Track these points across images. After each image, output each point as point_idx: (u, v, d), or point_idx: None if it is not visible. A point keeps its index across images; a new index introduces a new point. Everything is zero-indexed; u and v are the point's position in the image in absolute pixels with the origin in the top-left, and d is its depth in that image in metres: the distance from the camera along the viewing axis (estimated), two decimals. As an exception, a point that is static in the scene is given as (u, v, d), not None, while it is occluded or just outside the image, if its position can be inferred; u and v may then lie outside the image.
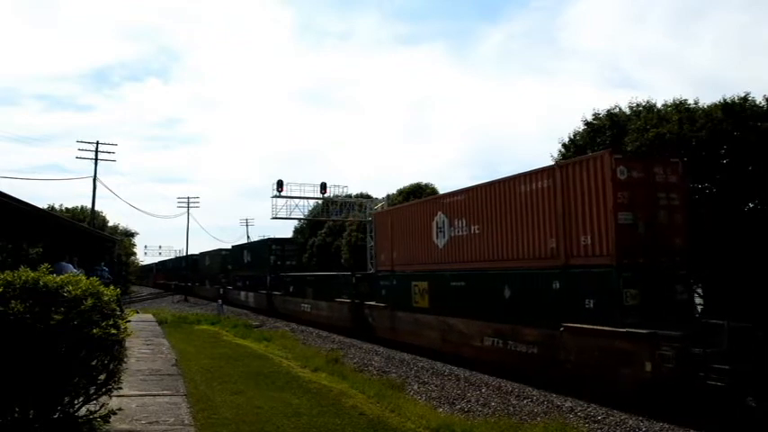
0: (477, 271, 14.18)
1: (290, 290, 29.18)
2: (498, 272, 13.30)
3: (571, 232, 11.36)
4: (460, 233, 15.05)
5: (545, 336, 11.47)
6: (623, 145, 21.52)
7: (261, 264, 34.73)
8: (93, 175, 39.55)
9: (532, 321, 11.89)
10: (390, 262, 18.91)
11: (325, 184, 33.99)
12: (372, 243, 36.43)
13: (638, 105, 28.35)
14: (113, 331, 5.17)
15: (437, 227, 16.17)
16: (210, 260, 50.25)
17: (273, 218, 33.87)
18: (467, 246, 14.70)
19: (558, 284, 11.42)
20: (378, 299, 19.35)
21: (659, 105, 26.02)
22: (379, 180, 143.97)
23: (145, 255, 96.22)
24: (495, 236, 13.66)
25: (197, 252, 60.32)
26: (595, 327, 10.26)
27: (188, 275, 57.49)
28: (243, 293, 38.39)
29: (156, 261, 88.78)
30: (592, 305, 10.57)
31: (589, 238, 10.95)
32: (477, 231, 14.34)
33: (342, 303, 22.38)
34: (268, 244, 34.91)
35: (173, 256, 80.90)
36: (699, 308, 13.41)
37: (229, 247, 50.87)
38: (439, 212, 16.20)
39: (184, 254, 62.24)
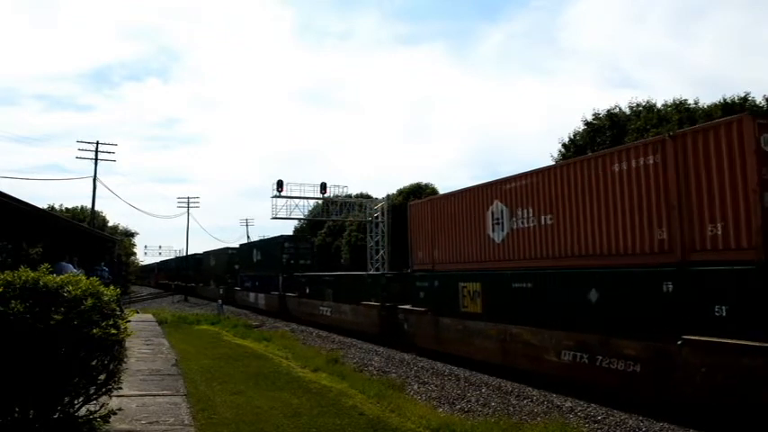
0: (550, 270, 11.64)
1: (306, 291, 26.68)
2: (581, 271, 10.84)
3: (691, 220, 9.04)
4: (525, 225, 12.52)
5: (652, 350, 9.21)
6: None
7: (272, 263, 32.66)
8: (93, 175, 39.63)
9: (632, 332, 9.55)
10: (430, 260, 16.28)
11: (325, 184, 34.06)
12: (372, 243, 36.47)
13: (638, 105, 28.37)
14: (113, 331, 5.18)
15: (493, 218, 13.59)
16: (216, 259, 48.14)
17: (273, 218, 33.96)
18: (535, 240, 12.22)
19: (670, 286, 9.14)
20: (415, 302, 16.60)
21: (659, 105, 26.05)
22: (379, 180, 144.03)
23: (145, 255, 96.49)
24: (575, 227, 11.21)
25: (197, 252, 59.40)
26: (739, 342, 7.92)
27: (192, 275, 55.91)
28: (252, 295, 36.07)
29: (158, 261, 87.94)
30: (724, 313, 8.33)
31: (719, 227, 8.68)
32: (549, 222, 11.84)
33: (369, 307, 19.64)
34: (280, 242, 32.65)
35: (173, 256, 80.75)
36: None
37: (234, 245, 49.65)
38: (495, 201, 13.52)
39: (184, 254, 61.83)
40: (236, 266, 40.92)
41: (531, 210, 12.41)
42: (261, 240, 38.17)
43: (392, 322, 17.91)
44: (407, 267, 30.87)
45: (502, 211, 13.33)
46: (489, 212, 13.81)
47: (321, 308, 24.37)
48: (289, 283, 29.68)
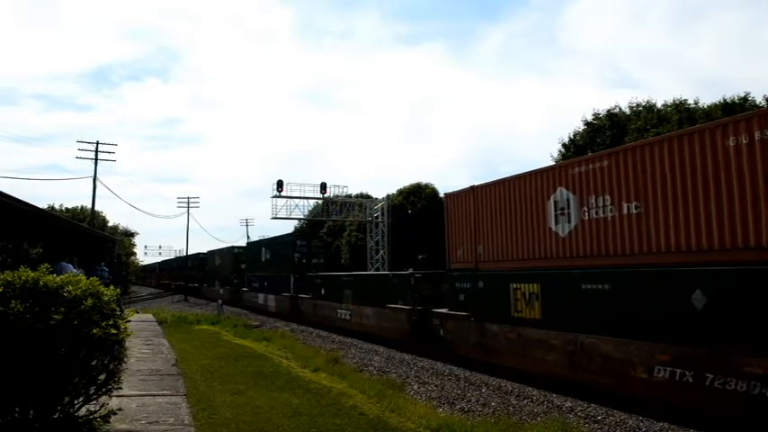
0: (636, 268, 9.72)
1: (322, 293, 24.70)
2: (682, 269, 8.96)
3: None
4: (600, 215, 10.65)
5: None
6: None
7: (283, 263, 30.85)
8: (93, 175, 39.64)
9: (758, 346, 7.68)
10: (473, 257, 14.34)
11: (325, 184, 34.11)
12: (372, 243, 36.49)
13: (638, 105, 28.37)
14: (113, 331, 5.18)
15: (556, 208, 11.74)
16: (221, 259, 46.28)
17: (273, 218, 34.00)
18: (613, 232, 10.34)
19: None
20: (453, 305, 14.56)
21: (659, 105, 26.06)
22: (379, 180, 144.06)
23: (145, 255, 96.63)
24: (671, 217, 9.36)
25: (200, 251, 58.26)
26: None
27: (196, 275, 54.05)
28: (261, 296, 34.05)
29: (160, 260, 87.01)
30: None
31: None
32: (634, 211, 9.97)
33: (397, 311, 17.55)
34: (292, 240, 31.17)
35: (173, 256, 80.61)
36: None
37: (237, 244, 48.55)
38: (559, 188, 11.67)
39: (185, 254, 61.53)
40: (243, 266, 39.47)
41: (607, 197, 10.55)
42: (270, 238, 36.56)
43: (425, 328, 16.01)
44: (407, 267, 30.75)
45: (568, 200, 11.47)
46: (551, 202, 11.88)
47: (339, 311, 22.42)
48: (301, 284, 27.93)
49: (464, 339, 13.97)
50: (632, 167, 10.09)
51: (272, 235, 48.16)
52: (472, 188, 14.83)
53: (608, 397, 9.61)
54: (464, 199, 15.06)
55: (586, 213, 11.06)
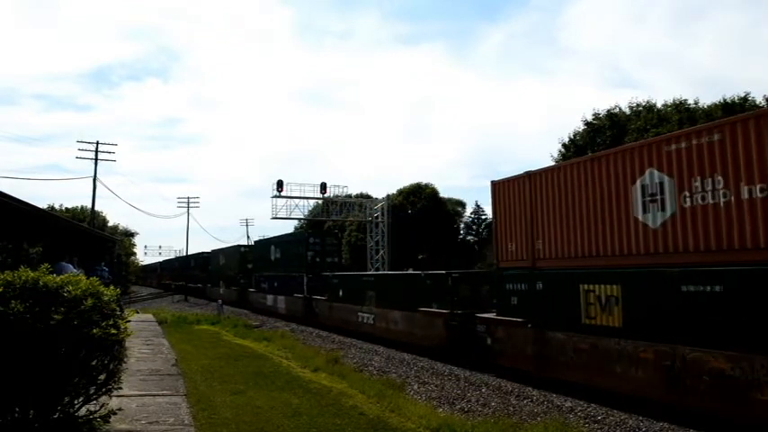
0: (763, 265, 7.99)
1: (339, 294, 22.66)
2: None
3: None
4: (707, 200, 8.91)
5: None
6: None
7: (295, 261, 28.95)
8: (93, 175, 39.68)
9: None
10: (529, 255, 12.45)
11: (325, 184, 34.14)
12: (372, 243, 36.51)
13: (638, 105, 28.37)
14: (113, 331, 5.18)
15: (645, 194, 9.91)
16: (226, 258, 44.19)
17: (273, 218, 34.05)
18: (728, 221, 8.57)
19: None
20: (503, 309, 12.74)
21: (659, 105, 26.07)
22: (379, 180, 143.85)
23: (145, 255, 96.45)
24: None
25: (203, 251, 56.49)
26: None
27: (199, 276, 52.14)
28: (270, 297, 32.04)
29: (161, 260, 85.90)
30: None
31: None
32: (758, 195, 8.22)
33: (431, 315, 15.55)
34: (305, 237, 28.97)
35: (173, 256, 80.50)
36: None
37: (239, 244, 47.28)
38: (650, 169, 9.80)
39: (185, 254, 61.37)
40: (250, 266, 37.85)
41: (719, 179, 8.77)
42: (281, 236, 34.92)
43: (466, 335, 13.99)
44: (407, 267, 30.61)
45: (661, 184, 9.63)
46: (637, 186, 10.05)
47: (361, 314, 20.28)
48: (315, 284, 26.12)
49: (518, 349, 12.04)
50: (756, 141, 8.30)
51: (271, 235, 47.32)
52: (528, 174, 12.73)
53: (719, 424, 8.09)
54: (517, 187, 13.01)
55: (687, 199, 9.22)
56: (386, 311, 18.42)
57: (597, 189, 10.88)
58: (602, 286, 10.28)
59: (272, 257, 32.91)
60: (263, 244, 36.32)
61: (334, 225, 50.09)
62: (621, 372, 9.60)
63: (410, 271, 24.17)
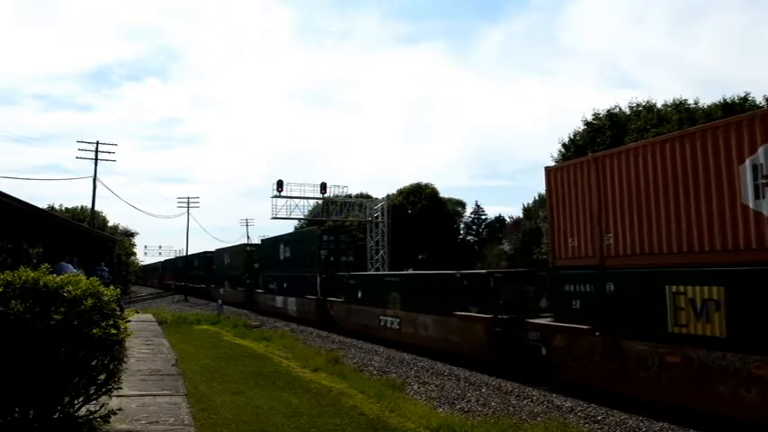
0: None
1: (359, 296, 20.92)
2: None
3: None
4: None
5: None
6: (623, 145, 21.60)
7: (306, 261, 27.13)
8: (93, 175, 39.68)
9: None
10: (595, 250, 10.67)
11: (325, 184, 34.13)
12: (372, 243, 36.47)
13: (638, 105, 28.37)
14: (113, 331, 5.18)
15: (757, 175, 8.21)
16: (231, 258, 42.53)
17: (273, 218, 34.03)
18: None
19: None
20: (561, 314, 11.15)
21: (659, 105, 26.07)
22: (379, 180, 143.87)
23: (145, 255, 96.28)
24: None
25: (202, 251, 55.53)
26: None
27: (203, 276, 50.62)
28: (280, 299, 30.27)
29: (163, 260, 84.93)
30: None
31: None
32: None
33: (471, 320, 13.74)
34: (318, 235, 27.06)
35: (173, 256, 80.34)
36: None
37: (239, 243, 46.60)
38: (763, 146, 8.09)
39: (185, 254, 61.13)
40: (256, 265, 36.38)
41: None
42: (290, 234, 33.47)
43: (513, 343, 12.47)
44: (407, 267, 30.51)
45: None
46: (746, 167, 8.33)
47: (383, 318, 18.56)
48: (330, 285, 24.48)
49: (582, 361, 10.45)
50: None
51: (272, 235, 46.69)
52: (594, 158, 11.07)
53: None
54: (579, 173, 11.24)
55: None
56: (413, 315, 16.73)
57: (689, 172, 9.04)
58: (698, 288, 8.61)
59: (282, 256, 31.20)
60: (272, 242, 34.54)
61: (334, 225, 50.11)
62: (727, 392, 8.02)
63: (410, 271, 24.06)
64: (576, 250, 11.16)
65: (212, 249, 52.13)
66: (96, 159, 40.01)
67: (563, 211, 11.59)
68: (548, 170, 12.14)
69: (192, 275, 54.77)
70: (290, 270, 29.27)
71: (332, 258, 26.10)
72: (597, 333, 10.12)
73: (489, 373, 10.45)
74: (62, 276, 5.42)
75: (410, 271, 24.24)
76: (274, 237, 35.88)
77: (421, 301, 16.40)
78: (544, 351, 11.40)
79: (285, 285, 29.74)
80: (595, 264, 10.64)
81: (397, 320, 17.67)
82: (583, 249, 11.04)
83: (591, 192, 10.85)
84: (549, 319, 11.63)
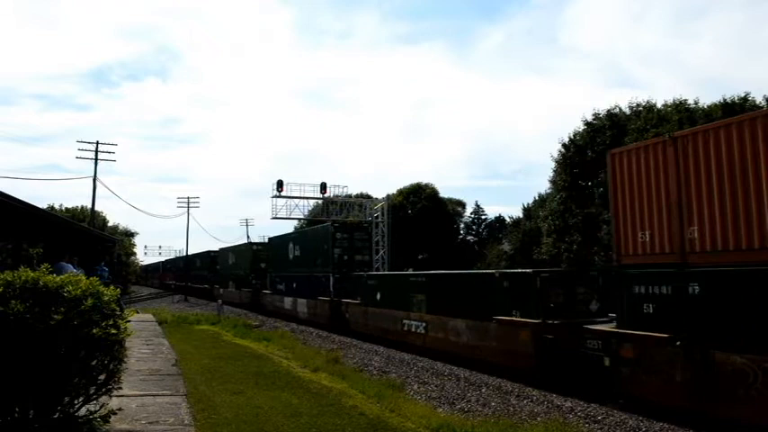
0: None
1: (377, 297, 19.38)
2: None
3: None
4: None
5: None
6: (623, 145, 21.61)
7: (318, 260, 25.72)
8: (93, 175, 39.63)
9: None
10: (675, 245, 9.10)
11: (325, 184, 34.05)
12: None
13: (638, 105, 28.39)
14: (113, 331, 5.18)
15: None
16: (236, 257, 41.24)
17: (273, 218, 33.90)
18: None
19: None
20: (628, 320, 9.61)
21: (659, 105, 26.08)
22: (379, 180, 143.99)
23: (145, 255, 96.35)
24: None
25: (206, 250, 54.04)
26: None
27: (206, 276, 49.46)
28: (288, 300, 28.79)
29: (164, 259, 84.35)
30: None
31: None
32: None
33: (513, 326, 12.28)
34: (331, 232, 25.26)
35: (173, 256, 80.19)
36: None
37: (239, 243, 45.78)
38: None
39: (184, 254, 60.90)
40: (263, 264, 35.23)
41: None
42: (300, 231, 31.90)
43: (567, 353, 10.88)
44: (407, 267, 30.42)
45: None
46: None
47: (407, 322, 17.06)
48: (344, 286, 23.19)
49: (658, 375, 8.89)
50: None
51: (272, 235, 46.11)
52: (673, 137, 9.44)
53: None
54: (653, 156, 9.67)
55: None
56: (442, 320, 15.18)
57: None
58: None
59: (291, 255, 29.61)
60: (280, 241, 33.08)
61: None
62: None
63: (410, 271, 23.93)
64: (648, 245, 9.60)
65: (214, 249, 51.09)
66: (96, 159, 39.96)
67: (630, 200, 10.02)
68: (612, 154, 10.62)
69: (195, 275, 54.08)
70: (301, 270, 27.87)
71: (346, 257, 24.71)
72: (677, 342, 8.66)
73: (535, 385, 9.73)
74: (62, 276, 5.42)
75: (410, 271, 24.09)
76: (283, 235, 34.65)
77: (452, 304, 14.88)
78: (607, 362, 9.87)
79: (295, 286, 28.47)
80: (675, 261, 9.11)
81: (423, 325, 16.23)
82: (657, 244, 9.45)
83: (668, 178, 9.31)
84: (609, 325, 10.36)
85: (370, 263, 25.02)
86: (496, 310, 12.89)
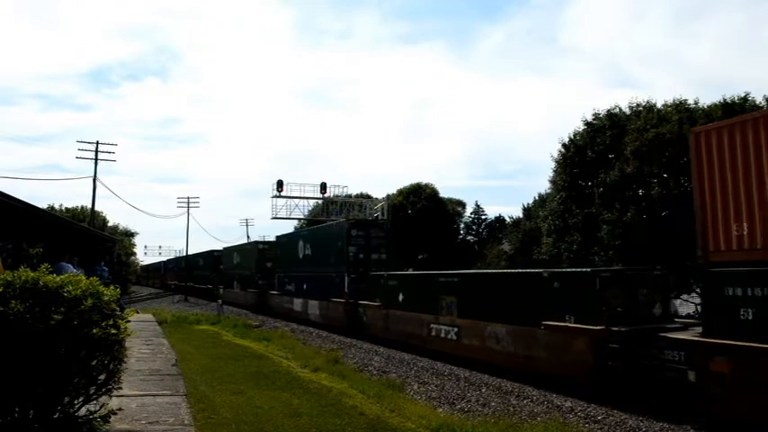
0: None
1: (400, 299, 17.92)
2: None
3: None
4: None
5: None
6: (623, 145, 21.58)
7: (332, 259, 24.30)
8: (93, 175, 39.63)
9: None
10: None
11: (325, 184, 34.08)
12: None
13: (638, 105, 28.35)
14: (113, 331, 5.18)
15: None
16: (241, 257, 40.02)
17: (273, 218, 33.93)
18: None
19: None
20: (718, 327, 8.29)
21: (659, 105, 26.06)
22: (379, 180, 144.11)
23: (145, 255, 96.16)
24: None
25: (209, 249, 53.09)
26: None
27: (209, 276, 48.10)
28: (298, 301, 27.30)
29: (165, 259, 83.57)
30: None
31: None
32: None
33: (567, 333, 10.89)
34: (346, 229, 23.57)
35: (173, 256, 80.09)
36: None
37: (239, 243, 44.93)
38: None
39: (184, 254, 60.82)
40: (269, 264, 33.84)
41: None
42: (311, 229, 30.42)
43: (638, 365, 9.57)
44: (407, 267, 30.31)
45: None
46: None
47: (435, 326, 15.55)
48: (360, 286, 21.55)
49: (762, 395, 7.48)
50: None
51: (271, 235, 45.56)
52: None
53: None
54: (753, 134, 8.13)
55: None
56: (478, 324, 13.65)
57: None
58: None
59: (301, 254, 27.97)
60: (289, 239, 31.59)
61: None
62: None
63: (410, 271, 23.76)
64: (746, 240, 8.20)
65: (218, 248, 49.95)
66: (96, 159, 39.96)
67: (722, 188, 8.52)
68: (696, 133, 9.04)
69: (197, 276, 52.96)
70: (312, 269, 26.30)
71: (361, 256, 22.94)
72: None
73: (596, 401, 8.56)
74: (62, 276, 5.42)
75: (410, 271, 23.94)
76: (291, 232, 33.28)
77: (490, 307, 13.37)
78: (692, 377, 8.62)
79: (305, 287, 26.77)
80: None
81: (455, 330, 14.66)
82: (759, 239, 8.03)
83: None
84: (690, 333, 9.14)
85: (388, 262, 23.41)
86: (545, 314, 11.44)
